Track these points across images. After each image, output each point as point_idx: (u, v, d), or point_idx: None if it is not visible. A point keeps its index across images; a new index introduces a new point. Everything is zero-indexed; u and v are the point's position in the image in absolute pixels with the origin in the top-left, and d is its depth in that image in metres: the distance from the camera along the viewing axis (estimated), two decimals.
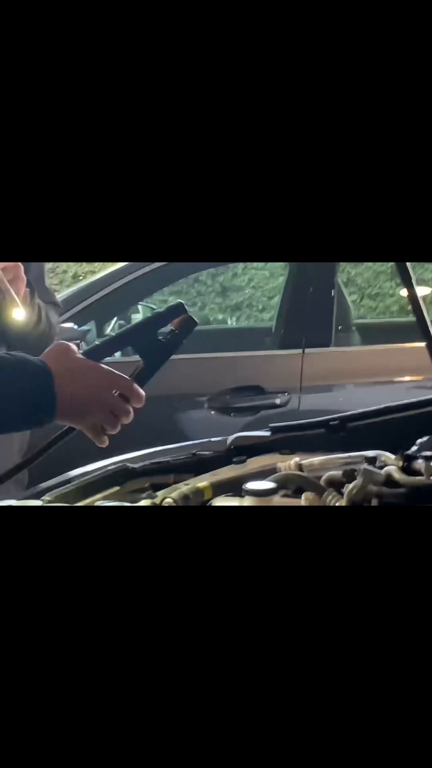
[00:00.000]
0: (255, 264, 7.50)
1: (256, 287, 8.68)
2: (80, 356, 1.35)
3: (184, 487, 1.85)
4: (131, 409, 1.38)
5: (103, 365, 1.36)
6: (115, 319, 4.01)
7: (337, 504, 1.71)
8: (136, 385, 1.38)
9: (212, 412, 3.42)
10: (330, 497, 1.73)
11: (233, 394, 3.43)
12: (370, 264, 8.51)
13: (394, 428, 2.01)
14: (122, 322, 4.08)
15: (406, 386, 3.51)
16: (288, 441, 2.02)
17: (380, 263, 8.47)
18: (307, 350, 3.47)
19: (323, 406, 3.39)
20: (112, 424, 1.38)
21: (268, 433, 2.05)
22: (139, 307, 4.50)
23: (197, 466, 1.98)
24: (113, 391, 1.36)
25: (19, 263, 1.70)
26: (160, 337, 1.41)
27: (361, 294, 8.54)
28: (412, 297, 1.93)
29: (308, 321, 3.53)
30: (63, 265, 8.27)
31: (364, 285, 8.63)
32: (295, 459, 1.85)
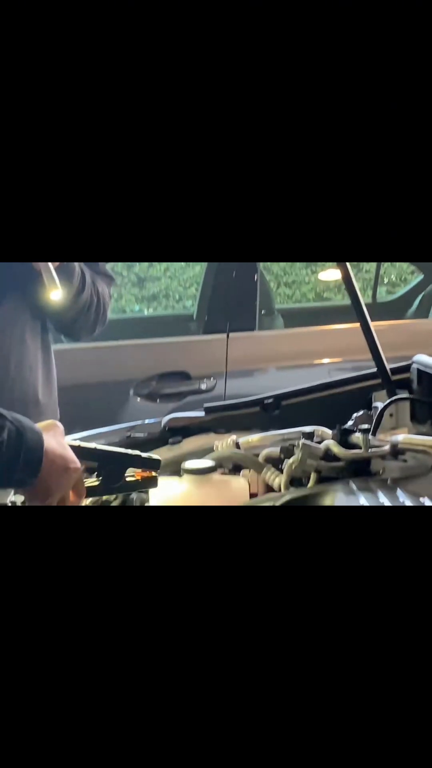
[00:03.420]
0: None
1: (172, 277, 8.66)
2: (66, 443, 1.38)
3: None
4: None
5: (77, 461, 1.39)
6: None
7: (276, 480, 1.72)
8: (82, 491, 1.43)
9: (138, 399, 3.40)
10: (269, 473, 1.74)
11: (159, 380, 3.42)
12: None
13: (327, 405, 2.03)
14: None
15: (328, 368, 3.54)
16: (223, 420, 2.02)
17: None
18: (231, 334, 3.48)
19: (249, 390, 3.41)
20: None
21: (202, 414, 2.05)
22: None
23: (132, 448, 1.96)
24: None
25: None
26: (124, 475, 1.50)
27: (278, 282, 8.60)
28: (346, 277, 1.95)
29: (232, 305, 3.54)
30: None
31: (280, 273, 8.69)
32: (232, 437, 1.85)
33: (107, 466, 1.49)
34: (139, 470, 1.51)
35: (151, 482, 1.53)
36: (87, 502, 1.60)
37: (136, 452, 1.52)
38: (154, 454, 1.53)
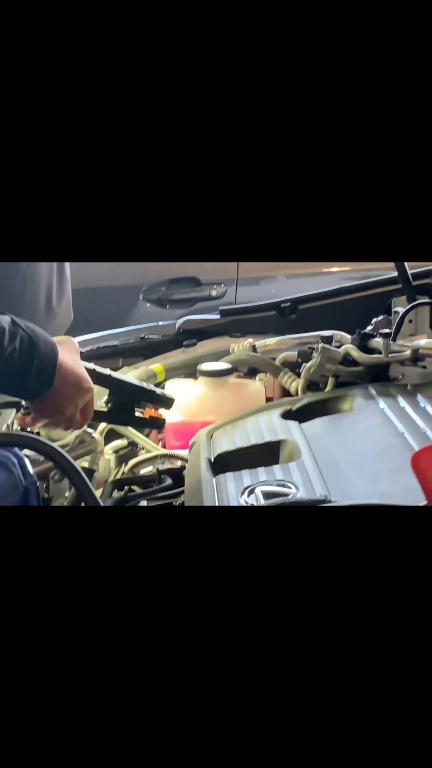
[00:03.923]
0: None
1: None
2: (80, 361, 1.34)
3: (135, 371, 1.82)
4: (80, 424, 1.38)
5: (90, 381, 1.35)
6: None
7: (293, 384, 1.70)
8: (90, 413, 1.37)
9: (147, 304, 3.36)
10: (286, 377, 1.72)
11: (169, 285, 3.37)
12: None
13: (345, 310, 2.00)
14: None
15: (339, 276, 3.49)
16: (238, 324, 1.99)
17: None
18: None
19: (260, 297, 3.36)
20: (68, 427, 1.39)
21: (217, 317, 2.02)
22: None
23: (146, 349, 1.95)
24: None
25: None
26: (134, 408, 1.45)
27: None
28: None
29: None
30: None
31: None
32: (249, 340, 1.83)
33: (119, 395, 1.43)
34: (150, 407, 1.46)
35: (158, 423, 1.47)
36: (99, 434, 1.60)
37: (152, 387, 1.46)
38: (169, 393, 1.47)
